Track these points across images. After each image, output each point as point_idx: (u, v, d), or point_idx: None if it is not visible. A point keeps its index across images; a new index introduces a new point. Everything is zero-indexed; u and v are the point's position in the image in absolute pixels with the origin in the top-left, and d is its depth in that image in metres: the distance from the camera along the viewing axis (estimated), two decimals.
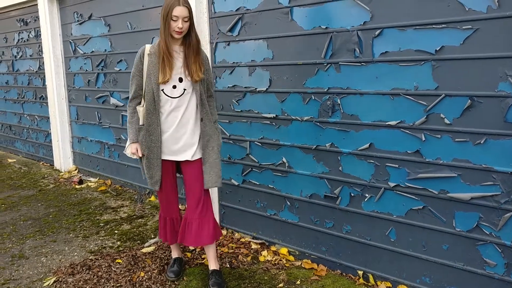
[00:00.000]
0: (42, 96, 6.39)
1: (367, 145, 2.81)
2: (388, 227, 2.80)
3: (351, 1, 2.74)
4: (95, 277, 3.09)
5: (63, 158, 6.09)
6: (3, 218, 4.37)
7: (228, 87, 3.56)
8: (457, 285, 2.56)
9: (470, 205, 2.44)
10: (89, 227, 4.05)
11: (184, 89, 2.71)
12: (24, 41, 6.61)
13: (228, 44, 3.51)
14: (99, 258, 3.38)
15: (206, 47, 3.65)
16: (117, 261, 3.32)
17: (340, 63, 2.85)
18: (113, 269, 3.19)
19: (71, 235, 3.88)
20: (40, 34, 6.11)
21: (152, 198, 4.70)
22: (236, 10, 3.40)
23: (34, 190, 5.28)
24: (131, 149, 2.83)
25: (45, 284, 3.04)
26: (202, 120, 2.79)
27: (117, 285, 2.99)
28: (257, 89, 3.36)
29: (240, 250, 3.42)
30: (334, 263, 3.10)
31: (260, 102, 3.36)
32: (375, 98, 2.73)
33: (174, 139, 2.76)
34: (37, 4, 5.95)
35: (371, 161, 2.81)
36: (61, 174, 5.95)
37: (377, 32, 2.65)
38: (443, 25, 2.39)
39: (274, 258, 3.28)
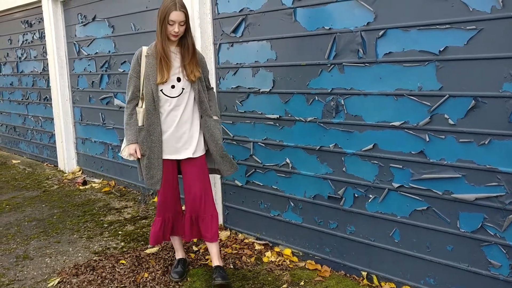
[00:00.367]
0: (46, 97, 6.42)
1: (371, 146, 2.81)
2: (392, 228, 2.79)
3: (355, 1, 2.74)
4: (99, 278, 3.10)
5: (67, 159, 6.11)
6: (7, 219, 4.39)
7: (232, 88, 3.56)
8: (462, 286, 2.55)
9: (475, 206, 2.44)
10: (93, 228, 4.06)
11: (183, 89, 2.78)
12: (29, 42, 6.64)
13: (232, 45, 3.52)
14: (103, 259, 3.39)
15: (209, 48, 3.66)
16: (121, 262, 3.32)
17: (343, 63, 2.85)
18: (117, 270, 3.20)
19: (75, 236, 3.90)
20: (44, 36, 6.14)
21: (156, 199, 4.70)
22: (239, 11, 3.41)
23: (38, 191, 5.30)
24: (129, 150, 2.84)
25: (49, 285, 3.05)
26: (202, 117, 2.86)
27: (121, 285, 2.99)
28: (261, 90, 3.36)
29: (243, 251, 3.42)
30: (338, 264, 3.10)
31: (264, 103, 3.36)
32: (378, 99, 2.72)
33: (175, 138, 2.81)
34: (41, 6, 5.98)
35: (375, 161, 2.80)
36: (65, 175, 5.97)
37: (381, 32, 2.64)
38: (447, 26, 2.39)
39: (277, 259, 3.28)
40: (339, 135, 2.95)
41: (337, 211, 3.05)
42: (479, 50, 2.30)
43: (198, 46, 3.62)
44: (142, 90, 2.78)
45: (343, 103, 2.89)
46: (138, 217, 4.27)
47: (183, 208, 3.12)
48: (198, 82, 2.82)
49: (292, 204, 3.31)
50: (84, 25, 5.41)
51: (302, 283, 2.94)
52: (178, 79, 2.76)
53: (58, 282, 3.08)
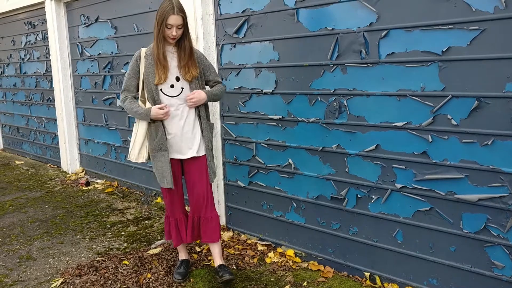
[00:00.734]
0: (49, 98, 6.43)
1: (373, 147, 2.80)
2: (395, 229, 2.79)
3: (357, 2, 2.74)
4: (102, 278, 3.11)
5: (70, 160, 6.12)
6: (11, 219, 4.40)
7: (234, 88, 3.57)
8: (465, 287, 2.54)
9: (478, 206, 2.43)
10: (96, 228, 4.07)
11: (182, 88, 2.80)
12: (32, 43, 6.66)
13: (234, 46, 3.52)
14: (106, 260, 3.39)
15: (212, 49, 3.66)
16: (124, 262, 3.33)
17: (346, 64, 2.85)
18: (120, 270, 3.21)
19: (78, 236, 3.90)
20: (47, 37, 6.15)
21: (159, 199, 4.71)
22: (242, 12, 3.41)
23: (42, 192, 5.31)
24: (156, 113, 2.72)
25: (52, 285, 3.06)
26: (200, 117, 2.89)
27: (124, 286, 3.00)
28: (263, 91, 3.36)
29: (246, 252, 3.42)
30: (340, 265, 3.10)
31: (266, 104, 3.36)
32: (381, 99, 2.72)
33: (178, 137, 2.83)
34: (44, 7, 6.00)
35: (378, 162, 2.80)
36: (68, 176, 5.99)
37: (384, 33, 2.64)
38: (449, 26, 2.39)
39: (280, 260, 3.28)
40: (341, 136, 2.95)
41: (339, 211, 3.05)
42: (482, 50, 2.30)
43: (201, 47, 3.63)
44: (143, 90, 2.80)
45: (345, 103, 2.89)
46: (141, 218, 4.28)
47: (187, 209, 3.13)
48: (196, 81, 2.84)
49: (295, 205, 3.31)
50: (87, 26, 5.43)
51: (305, 284, 2.94)
52: (177, 79, 2.79)
53: (61, 283, 3.08)
